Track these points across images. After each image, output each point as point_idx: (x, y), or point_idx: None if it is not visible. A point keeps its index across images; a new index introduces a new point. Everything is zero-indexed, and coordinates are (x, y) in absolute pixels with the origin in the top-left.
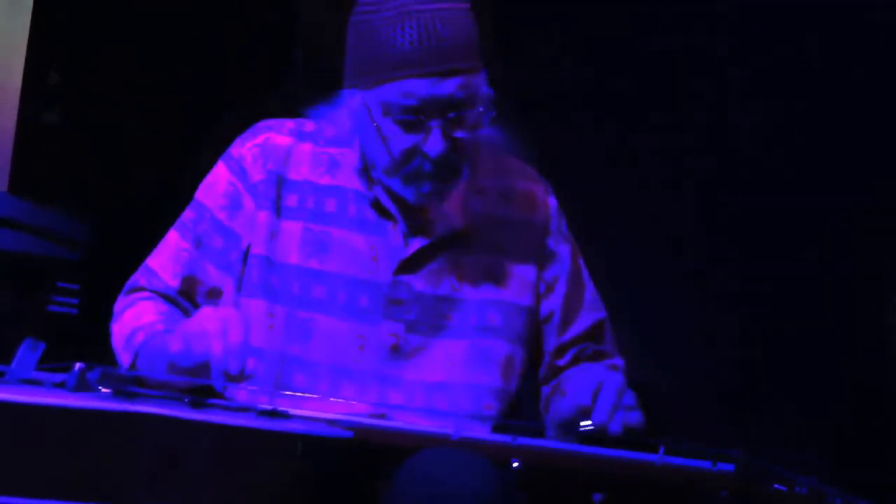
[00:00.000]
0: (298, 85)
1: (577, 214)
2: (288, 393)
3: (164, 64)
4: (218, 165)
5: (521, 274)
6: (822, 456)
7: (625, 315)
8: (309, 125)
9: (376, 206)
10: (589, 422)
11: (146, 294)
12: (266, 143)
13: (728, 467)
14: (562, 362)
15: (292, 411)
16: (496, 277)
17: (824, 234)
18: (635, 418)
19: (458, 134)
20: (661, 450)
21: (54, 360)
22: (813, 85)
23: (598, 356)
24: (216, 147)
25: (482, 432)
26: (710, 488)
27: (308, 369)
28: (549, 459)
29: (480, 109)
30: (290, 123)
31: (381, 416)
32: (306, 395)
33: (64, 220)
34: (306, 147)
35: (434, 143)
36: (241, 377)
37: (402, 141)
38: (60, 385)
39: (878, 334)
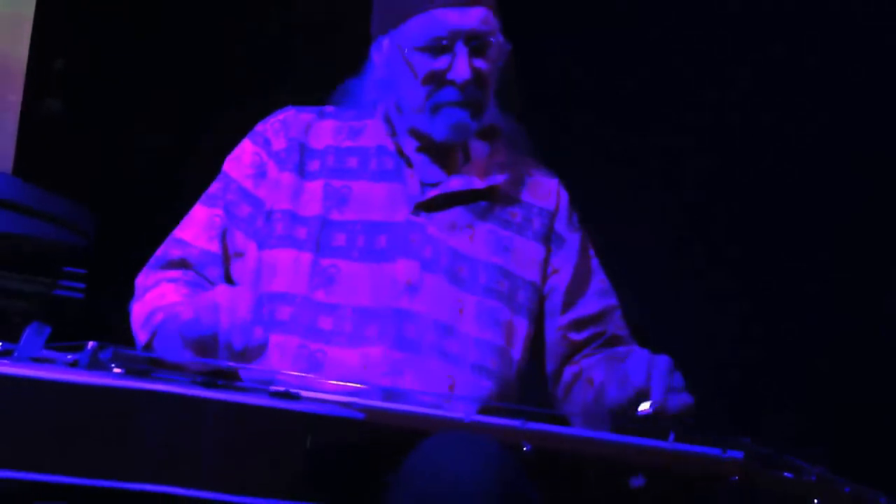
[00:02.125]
0: (306, 73)
1: (576, 214)
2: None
3: (170, 51)
4: (243, 141)
5: (530, 251)
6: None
7: (624, 315)
8: (329, 108)
9: (397, 152)
10: (647, 404)
11: (172, 274)
12: (287, 117)
13: (737, 454)
14: (579, 337)
15: (304, 393)
16: (506, 248)
17: (825, 233)
18: (686, 399)
19: (480, 63)
20: (672, 436)
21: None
22: (813, 84)
23: (617, 341)
24: (220, 133)
25: (493, 417)
26: (720, 474)
27: (332, 312)
28: (559, 443)
29: (498, 48)
30: (310, 107)
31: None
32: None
33: (70, 205)
34: (327, 123)
35: (460, 68)
36: (244, 353)
37: (429, 67)
38: (73, 364)
39: (879, 334)
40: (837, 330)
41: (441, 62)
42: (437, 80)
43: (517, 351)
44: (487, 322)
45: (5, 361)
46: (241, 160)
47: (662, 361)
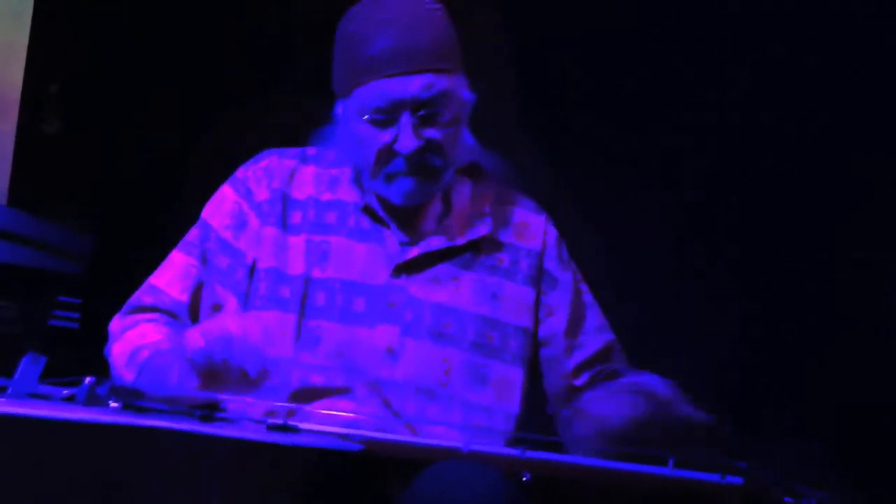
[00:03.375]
0: (300, 95)
1: (576, 214)
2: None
3: (163, 73)
4: (223, 187)
5: (520, 296)
6: (826, 457)
7: (624, 315)
8: (311, 150)
9: (370, 212)
10: None
11: (149, 315)
12: (270, 164)
13: (737, 480)
14: (579, 382)
15: (302, 425)
16: (494, 296)
17: (825, 233)
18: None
19: (430, 133)
20: (671, 462)
21: (56, 374)
22: (813, 84)
23: (615, 375)
24: (215, 157)
25: (493, 445)
26: (720, 500)
27: (321, 374)
28: (559, 472)
29: (454, 110)
30: (293, 150)
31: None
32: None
33: (65, 234)
34: (309, 169)
35: (404, 141)
36: (259, 378)
37: (376, 140)
38: (70, 399)
39: (879, 334)
40: (837, 330)
41: (387, 134)
42: (384, 152)
43: (514, 405)
44: (475, 382)
45: (0, 399)
46: (222, 208)
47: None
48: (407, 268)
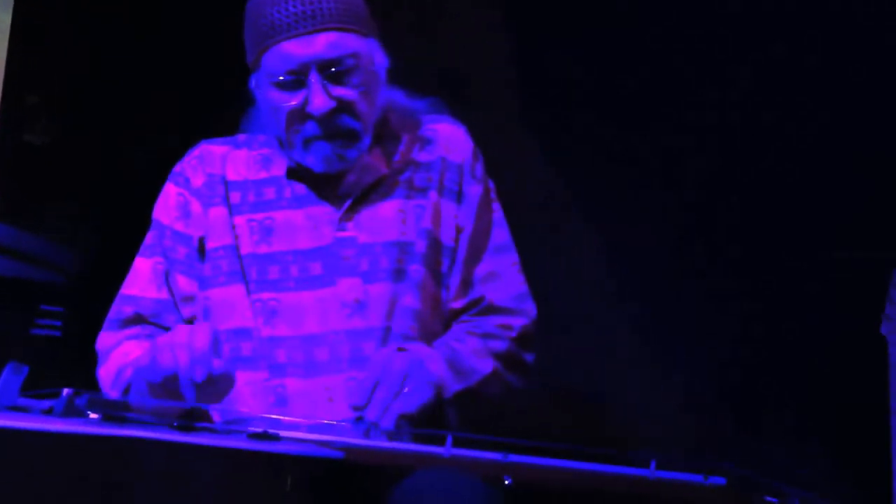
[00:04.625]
0: None
1: (576, 214)
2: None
3: (145, 83)
4: (166, 185)
5: (442, 209)
6: (822, 456)
7: (624, 315)
8: (241, 137)
9: (299, 177)
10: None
11: (131, 331)
12: (202, 153)
13: (720, 480)
14: (458, 305)
15: (282, 433)
16: (427, 213)
17: (825, 233)
18: (410, 404)
19: (340, 92)
20: (653, 464)
21: (40, 382)
22: (813, 84)
23: (490, 311)
24: None
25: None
26: (703, 502)
27: (284, 345)
28: (540, 476)
29: (366, 70)
30: (223, 139)
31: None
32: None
33: (47, 244)
34: (241, 153)
35: (314, 99)
36: (209, 383)
37: (287, 103)
38: (48, 411)
39: (879, 334)
40: (837, 330)
41: (298, 97)
42: (297, 115)
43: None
44: (430, 307)
45: None
46: (168, 204)
47: (393, 373)
48: (348, 216)
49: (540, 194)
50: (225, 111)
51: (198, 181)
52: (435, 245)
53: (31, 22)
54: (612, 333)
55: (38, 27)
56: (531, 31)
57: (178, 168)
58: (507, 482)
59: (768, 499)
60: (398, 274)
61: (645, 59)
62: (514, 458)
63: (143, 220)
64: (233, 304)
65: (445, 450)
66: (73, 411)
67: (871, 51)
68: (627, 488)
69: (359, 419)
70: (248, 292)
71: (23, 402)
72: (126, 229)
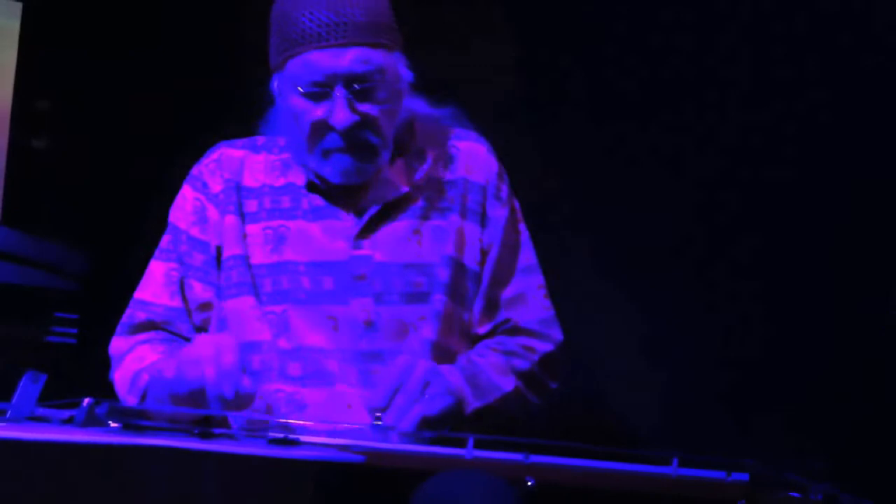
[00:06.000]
0: None
1: (575, 214)
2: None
3: (154, 87)
4: (183, 188)
5: (467, 233)
6: (827, 457)
7: (624, 315)
8: (260, 139)
9: (317, 189)
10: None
11: (145, 336)
12: (221, 156)
13: (742, 477)
14: (482, 330)
15: (303, 438)
16: (449, 237)
17: (826, 233)
18: (432, 408)
19: (365, 107)
20: (675, 462)
21: (57, 389)
22: (813, 84)
23: (515, 332)
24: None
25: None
26: (726, 498)
27: (295, 357)
28: (562, 476)
29: (391, 86)
30: (242, 140)
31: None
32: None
33: (59, 250)
34: (260, 157)
35: (338, 115)
36: (237, 400)
37: (310, 114)
38: (69, 421)
39: (880, 335)
40: (837, 330)
41: (321, 109)
42: (319, 126)
43: (455, 337)
44: (447, 328)
45: (0, 424)
46: (185, 208)
47: (416, 377)
48: (366, 234)
49: (537, 194)
50: (230, 114)
51: (216, 186)
52: (459, 271)
53: (39, 28)
54: (614, 333)
55: (47, 33)
56: (531, 31)
57: (195, 171)
58: (529, 483)
59: (791, 494)
60: (413, 297)
61: (645, 58)
62: (535, 458)
63: (154, 224)
64: (243, 316)
65: (467, 452)
66: (93, 420)
67: (871, 51)
68: (650, 487)
69: (377, 420)
70: (259, 304)
71: (43, 412)
72: (139, 233)
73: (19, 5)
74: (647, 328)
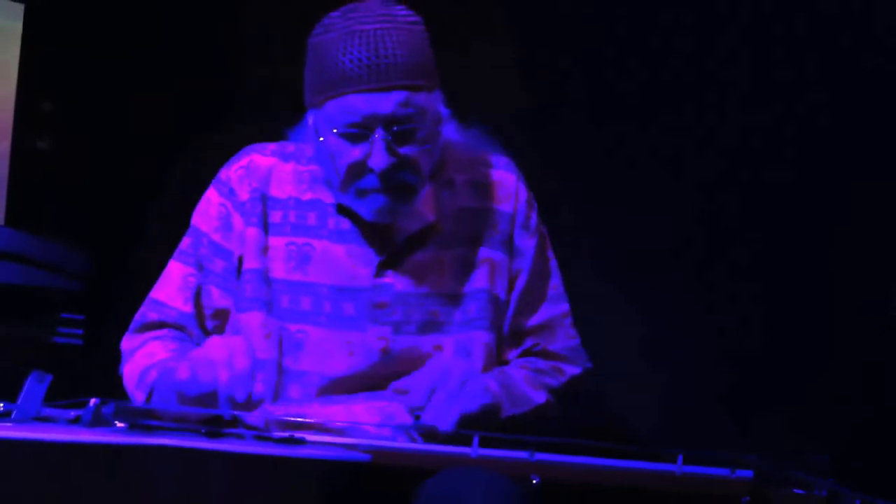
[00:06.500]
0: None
1: (575, 215)
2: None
3: (154, 87)
4: (209, 190)
5: (497, 263)
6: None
7: (624, 315)
8: (290, 146)
9: (347, 212)
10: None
11: (156, 333)
12: (250, 164)
13: (747, 473)
14: (512, 355)
15: (308, 437)
16: (474, 268)
17: (826, 233)
18: (472, 404)
19: (405, 150)
20: (680, 459)
21: (62, 389)
22: (813, 84)
23: (544, 355)
24: (214, 168)
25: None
26: (731, 495)
27: (301, 380)
28: (568, 474)
29: (430, 126)
30: (272, 146)
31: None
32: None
33: (64, 251)
34: (288, 167)
35: (378, 157)
36: (248, 403)
37: (348, 155)
38: (75, 421)
39: (880, 335)
40: (837, 330)
41: (359, 150)
42: (357, 167)
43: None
44: (464, 357)
45: (6, 424)
46: (209, 212)
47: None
48: (390, 263)
49: (537, 195)
50: (230, 114)
51: (244, 195)
52: (485, 301)
53: (41, 29)
54: (614, 334)
55: (49, 34)
56: (531, 31)
57: (223, 176)
58: (534, 481)
59: (796, 491)
60: (432, 326)
61: (645, 58)
62: (540, 456)
63: (155, 223)
64: (250, 333)
65: (472, 450)
66: (100, 421)
67: (871, 50)
68: (655, 484)
69: (416, 419)
70: (270, 318)
71: (49, 412)
72: (142, 232)
73: (21, 7)
74: (647, 329)
